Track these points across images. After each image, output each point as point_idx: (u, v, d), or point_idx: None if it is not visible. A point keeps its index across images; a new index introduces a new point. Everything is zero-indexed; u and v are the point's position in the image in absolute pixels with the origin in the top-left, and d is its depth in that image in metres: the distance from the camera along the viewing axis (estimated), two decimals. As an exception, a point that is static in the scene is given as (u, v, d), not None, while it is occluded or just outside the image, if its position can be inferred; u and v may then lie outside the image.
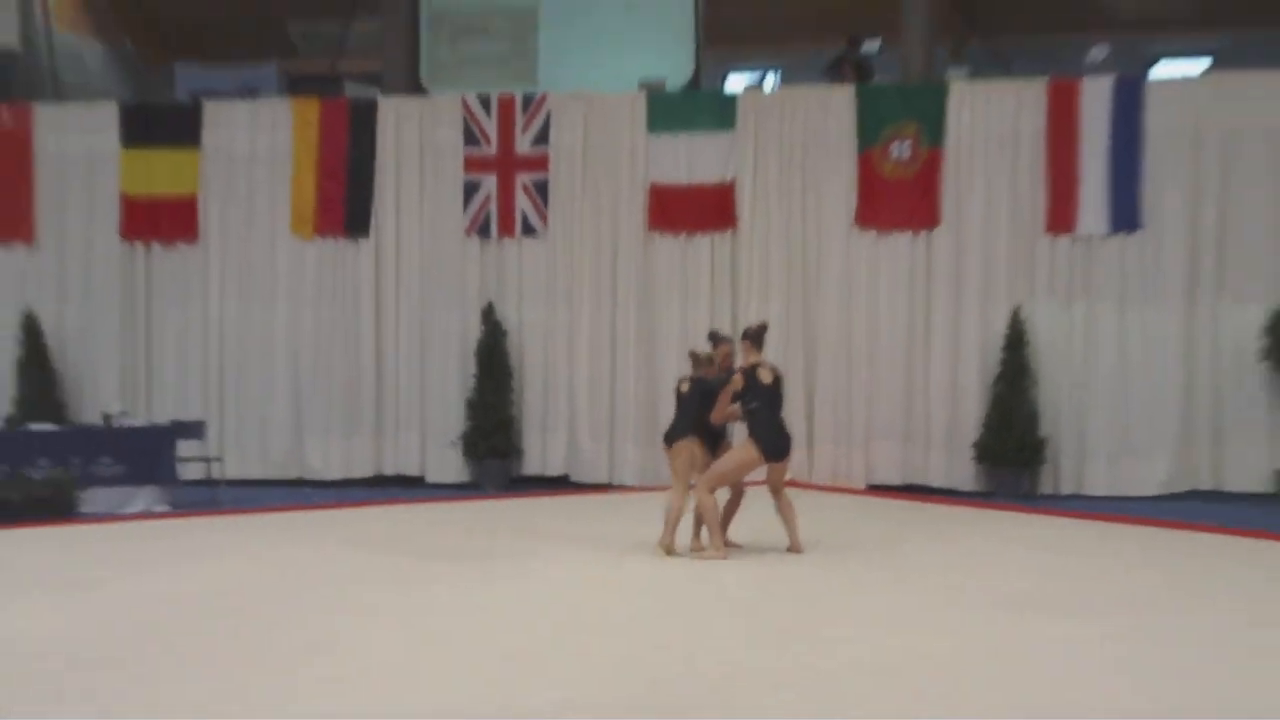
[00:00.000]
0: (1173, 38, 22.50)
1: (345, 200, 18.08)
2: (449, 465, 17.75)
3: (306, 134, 18.21)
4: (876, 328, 17.15)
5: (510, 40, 19.20)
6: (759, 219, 17.45)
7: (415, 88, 18.90)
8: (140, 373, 18.40)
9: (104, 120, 18.60)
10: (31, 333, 18.13)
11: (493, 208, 17.83)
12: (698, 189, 17.52)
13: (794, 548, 11.95)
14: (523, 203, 17.79)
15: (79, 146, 18.57)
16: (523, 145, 17.83)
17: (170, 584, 10.84)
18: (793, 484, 12.87)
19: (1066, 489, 16.65)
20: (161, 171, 18.40)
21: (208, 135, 18.39)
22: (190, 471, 16.43)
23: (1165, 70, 20.96)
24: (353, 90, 19.42)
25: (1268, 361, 16.10)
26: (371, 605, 9.89)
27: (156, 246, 18.44)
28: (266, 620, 9.37)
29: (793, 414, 12.51)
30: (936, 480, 16.89)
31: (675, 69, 18.51)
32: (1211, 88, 16.82)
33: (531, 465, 17.77)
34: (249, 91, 20.93)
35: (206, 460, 16.58)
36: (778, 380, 11.89)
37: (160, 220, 18.35)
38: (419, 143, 18.08)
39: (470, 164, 17.91)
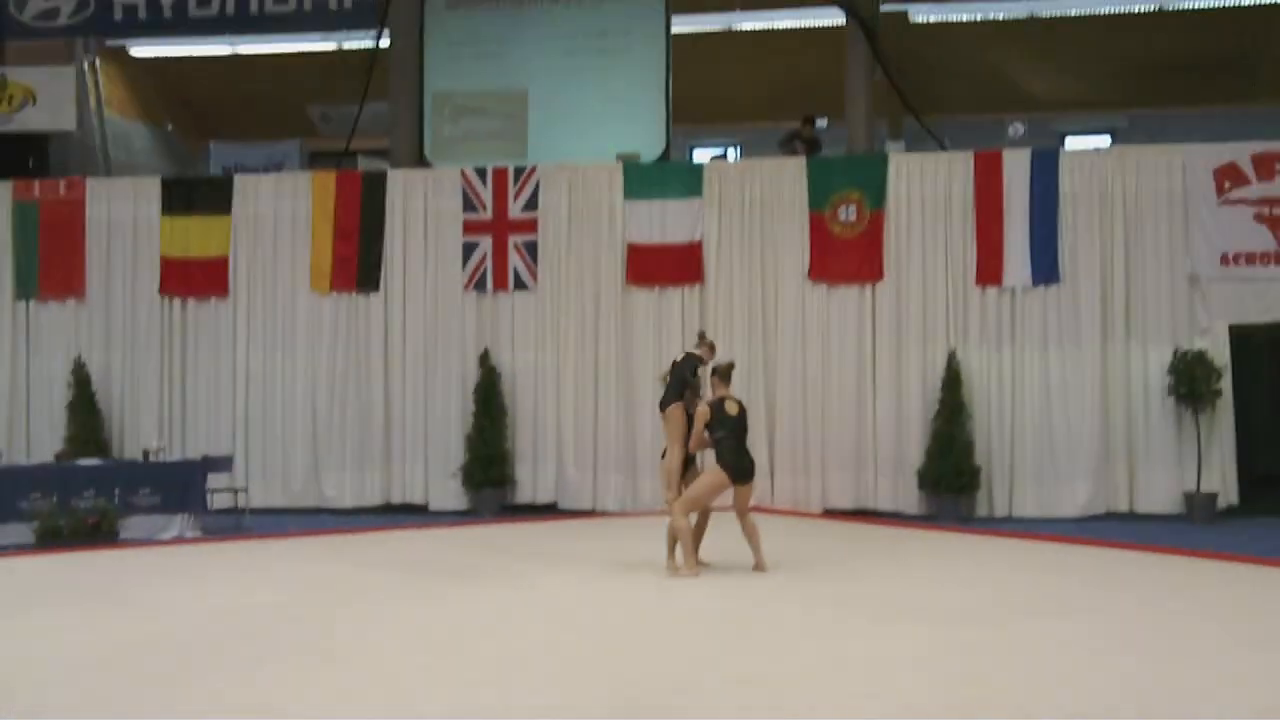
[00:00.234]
0: (1078, 117, 22.51)
1: (358, 260, 17.78)
2: (450, 494, 17.36)
3: (324, 202, 17.92)
4: (829, 369, 16.86)
5: (504, 119, 19.04)
6: (723, 274, 17.19)
7: (420, 161, 18.68)
8: (176, 412, 18.05)
9: (147, 191, 18.38)
10: (81, 378, 17.82)
11: (488, 265, 17.55)
12: (669, 248, 17.26)
13: (759, 566, 11.70)
14: (515, 261, 17.50)
15: (125, 214, 18.32)
16: (515, 210, 17.56)
17: (199, 600, 10.71)
18: (757, 509, 12.69)
19: (1000, 511, 16.34)
20: (197, 236, 18.11)
21: (238, 204, 18.11)
22: (220, 501, 16.13)
23: (1073, 144, 20.83)
24: (365, 164, 19.29)
25: (1173, 397, 15.89)
26: (381, 617, 9.74)
27: (191, 301, 18.13)
28: (285, 631, 9.26)
29: (755, 446, 12.29)
30: (884, 505, 16.55)
31: (648, 143, 18.30)
32: (1116, 158, 16.75)
33: (524, 493, 17.40)
34: (274, 165, 20.82)
35: (234, 491, 16.31)
36: (743, 412, 11.80)
37: (195, 278, 18.06)
38: (423, 209, 17.82)
39: (469, 227, 17.62)
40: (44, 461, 16.31)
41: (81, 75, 21.25)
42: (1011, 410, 16.42)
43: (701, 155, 21.53)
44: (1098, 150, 17.80)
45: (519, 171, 17.65)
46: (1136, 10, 19.79)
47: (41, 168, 20.14)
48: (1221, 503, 15.80)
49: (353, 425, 17.61)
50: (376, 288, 17.74)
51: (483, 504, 17.07)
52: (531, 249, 17.49)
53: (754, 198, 17.21)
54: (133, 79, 23.46)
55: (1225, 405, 15.92)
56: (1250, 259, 16.05)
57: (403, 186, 17.87)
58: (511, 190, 17.59)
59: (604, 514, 16.96)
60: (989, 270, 16.53)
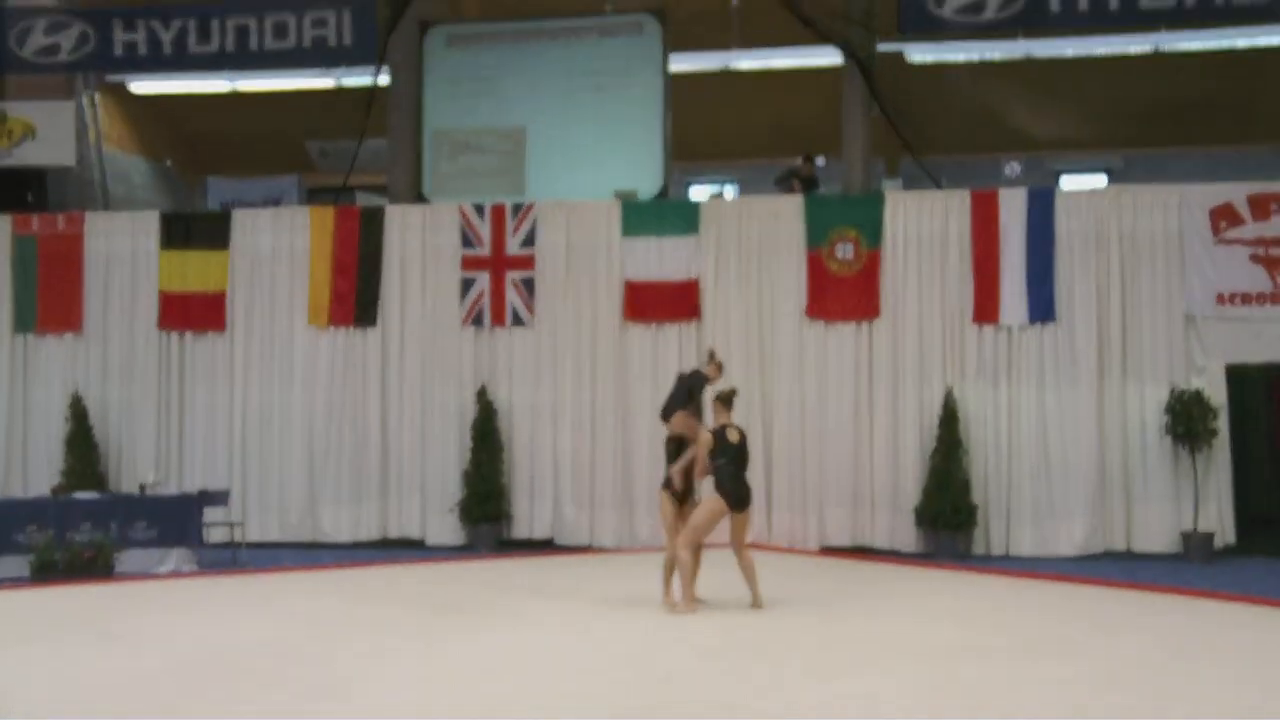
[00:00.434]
0: (1074, 157, 22.71)
1: (356, 294, 17.87)
2: (447, 529, 17.37)
3: (322, 237, 18.03)
4: (826, 406, 16.89)
5: (502, 156, 19.07)
6: (720, 310, 17.27)
7: (418, 197, 18.74)
8: (173, 446, 18.08)
9: (146, 226, 18.50)
10: (78, 411, 17.85)
11: (486, 301, 17.62)
12: (667, 285, 17.35)
13: (756, 604, 11.71)
14: (513, 297, 17.57)
15: (124, 248, 18.44)
16: (513, 247, 17.66)
17: (195, 635, 10.72)
18: (754, 546, 12.71)
19: (997, 550, 16.34)
20: (195, 270, 18.20)
21: (236, 238, 18.20)
22: (216, 535, 16.18)
23: (1068, 184, 20.96)
24: (363, 200, 19.40)
25: (1169, 436, 15.92)
26: (379, 654, 9.74)
27: (189, 335, 18.19)
28: (282, 666, 9.24)
29: (752, 482, 12.22)
30: (881, 542, 16.56)
31: (646, 181, 18.33)
32: (1112, 198, 16.82)
33: (520, 529, 17.41)
34: (273, 201, 20.89)
35: (230, 525, 16.34)
36: (743, 439, 11.89)
37: (193, 312, 18.14)
38: (421, 245, 17.92)
39: (466, 263, 17.72)
40: (40, 495, 16.33)
41: (81, 110, 21.35)
42: (1009, 448, 16.45)
43: (699, 193, 21.66)
44: (1094, 190, 17.89)
45: (517, 208, 17.75)
46: (1132, 52, 19.95)
47: (40, 202, 20.26)
48: (1219, 542, 15.83)
49: (349, 460, 17.63)
50: (374, 323, 17.80)
51: (479, 539, 17.08)
52: (529, 285, 17.56)
53: (751, 235, 17.30)
54: (132, 114, 23.55)
55: (1222, 445, 15.97)
56: (1246, 299, 16.12)
57: (401, 222, 17.96)
58: (510, 226, 17.69)
59: (600, 550, 16.95)
60: (985, 308, 16.60)
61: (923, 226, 16.90)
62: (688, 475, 11.85)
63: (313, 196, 21.64)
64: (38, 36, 19.51)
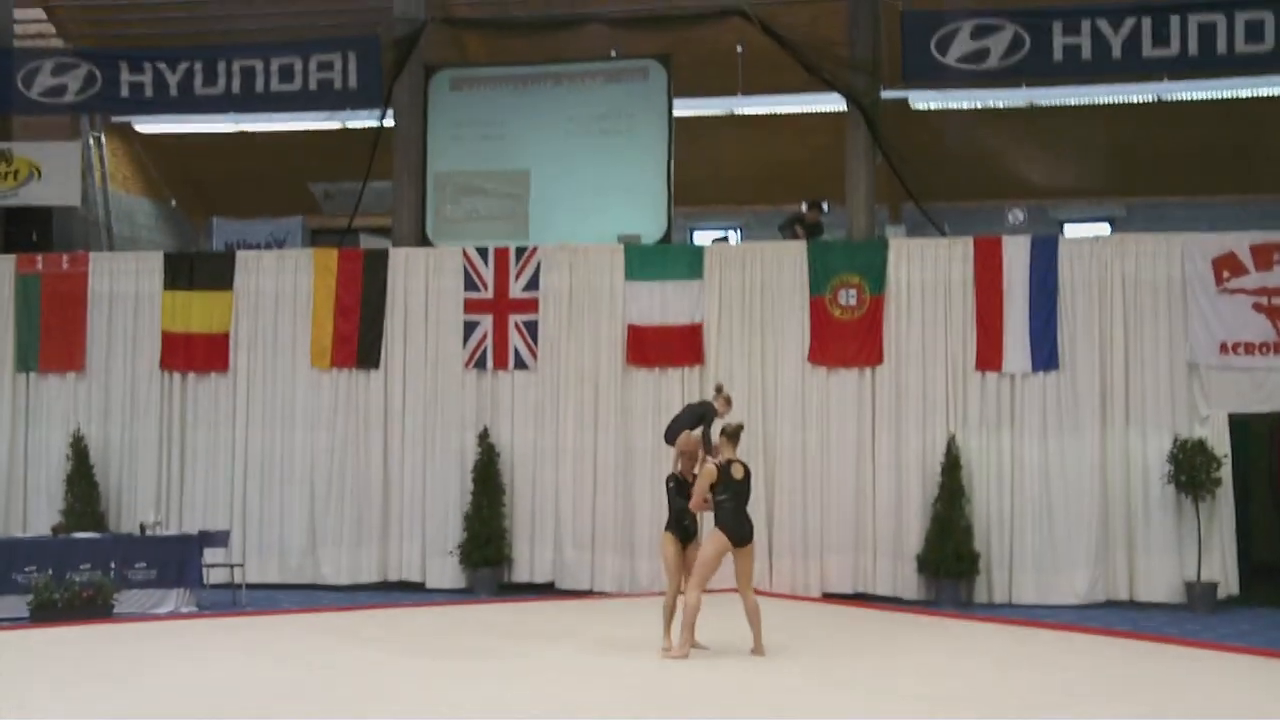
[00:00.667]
0: (1077, 205, 22.82)
1: (359, 336, 17.93)
2: (447, 572, 17.36)
3: (326, 279, 18.11)
4: (828, 452, 16.93)
5: (506, 199, 19.19)
6: (724, 355, 17.34)
7: (422, 240, 18.84)
8: (174, 487, 18.11)
9: (150, 266, 18.60)
10: (79, 451, 17.88)
11: (489, 344, 17.70)
12: (670, 329, 17.43)
13: (757, 650, 11.71)
14: (515, 340, 17.65)
15: (127, 288, 18.52)
16: (516, 290, 17.75)
17: (195, 675, 10.71)
18: (755, 591, 12.59)
19: (999, 598, 16.33)
20: (198, 311, 18.29)
21: (239, 279, 18.30)
22: (215, 576, 16.21)
23: (1071, 232, 21.06)
24: (367, 242, 19.47)
25: (1172, 485, 15.93)
26: (379, 697, 9.78)
27: (192, 376, 18.26)
28: (281, 708, 9.24)
29: (755, 527, 12.20)
30: (883, 589, 16.56)
31: (650, 225, 18.43)
32: (1116, 246, 16.91)
33: (521, 573, 17.42)
34: (277, 242, 20.94)
35: (230, 566, 16.38)
36: (747, 476, 11.89)
37: (195, 353, 18.20)
38: (425, 288, 18.00)
39: (469, 306, 17.81)
40: (40, 534, 16.36)
41: (87, 150, 21.53)
42: (1011, 496, 16.47)
43: (703, 237, 21.75)
44: (1097, 238, 17.98)
45: (520, 251, 17.85)
46: (1135, 101, 20.07)
47: (45, 242, 20.33)
48: (1222, 592, 15.81)
49: (350, 502, 17.65)
50: (377, 365, 17.86)
51: (480, 583, 17.08)
52: (532, 328, 17.63)
53: (755, 280, 17.39)
54: (137, 155, 23.77)
55: (1225, 494, 15.97)
56: (1249, 348, 16.16)
57: (404, 265, 18.06)
58: (513, 270, 17.78)
59: (601, 594, 16.95)
60: (988, 356, 16.65)
61: (926, 273, 16.99)
62: (695, 502, 11.76)
63: (317, 238, 21.73)
64: (45, 77, 19.71)
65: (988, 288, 16.75)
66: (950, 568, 15.97)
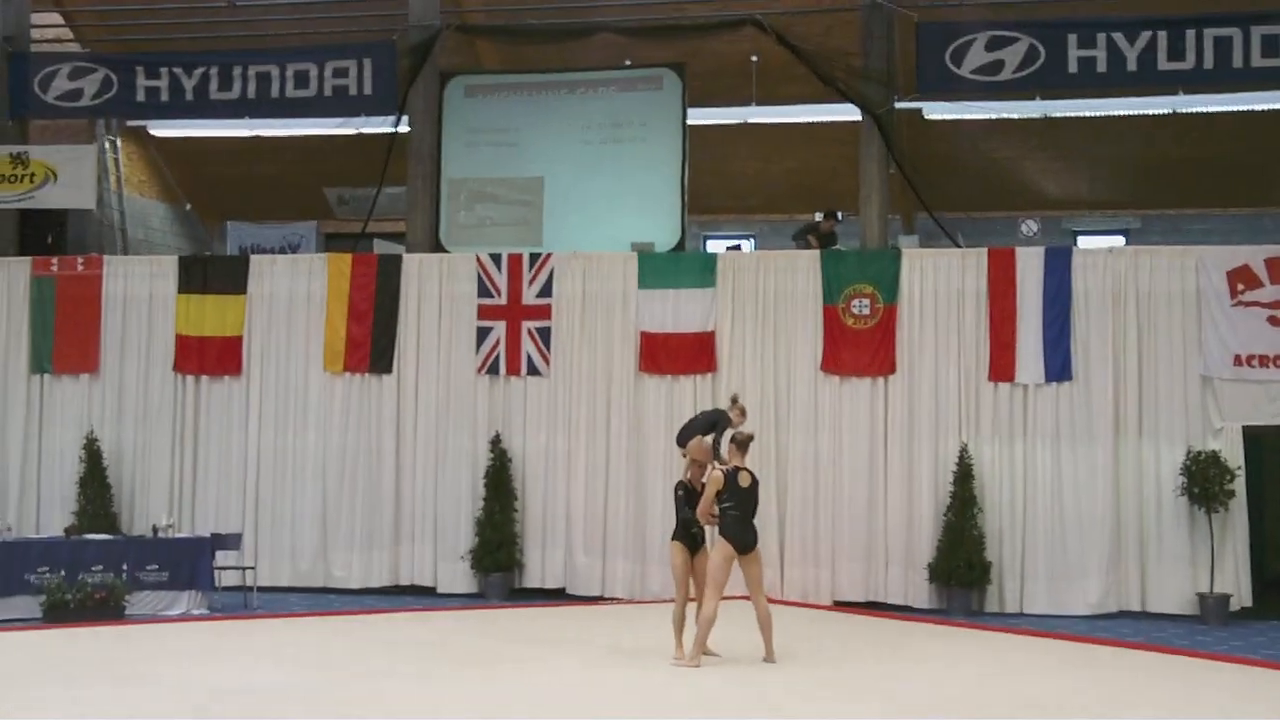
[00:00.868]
0: (1090, 216, 22.87)
1: (372, 341, 17.98)
2: (459, 576, 17.41)
3: (339, 284, 18.16)
4: (840, 461, 16.94)
5: (520, 206, 19.29)
6: (736, 363, 17.36)
7: (436, 246, 18.90)
8: (186, 489, 18.17)
9: (165, 270, 18.68)
10: (92, 453, 17.93)
11: (501, 350, 17.73)
12: (683, 337, 17.44)
13: (768, 657, 11.71)
14: (528, 346, 17.69)
15: (141, 292, 18.59)
16: (529, 297, 17.79)
17: (206, 677, 10.76)
18: (768, 600, 12.60)
19: (1011, 607, 16.31)
20: (212, 314, 18.34)
21: (253, 284, 18.36)
22: (227, 578, 16.25)
23: (1085, 243, 21.08)
24: (381, 247, 19.50)
25: (1185, 497, 15.91)
26: (390, 700, 9.80)
27: (205, 379, 18.31)
28: (292, 711, 9.20)
29: (765, 535, 12.25)
30: (895, 597, 16.54)
31: (663, 233, 18.48)
32: (1130, 258, 16.89)
33: (532, 578, 17.44)
34: (291, 247, 21.02)
35: (241, 569, 16.42)
36: (754, 485, 11.87)
37: (209, 357, 18.26)
38: (438, 293, 18.06)
39: (482, 312, 17.85)
40: (53, 535, 16.44)
41: (102, 154, 21.62)
42: (1024, 506, 16.45)
43: (716, 246, 21.80)
44: (1111, 249, 17.93)
45: (534, 258, 17.90)
46: (1150, 113, 20.07)
47: (60, 244, 20.48)
48: (1235, 604, 15.77)
49: (362, 506, 17.70)
50: (390, 370, 17.91)
51: (491, 588, 17.11)
52: (545, 335, 17.67)
53: (768, 289, 17.41)
54: (153, 158, 23.88)
55: (1239, 506, 15.95)
56: (1264, 361, 16.14)
57: (418, 270, 18.12)
58: (526, 277, 17.82)
59: (612, 600, 16.96)
60: (1001, 366, 16.65)
61: (939, 283, 17.00)
62: (701, 512, 11.77)
63: (330, 243, 21.83)
64: (61, 81, 19.80)
65: (1001, 298, 16.74)
66: (962, 577, 15.96)
